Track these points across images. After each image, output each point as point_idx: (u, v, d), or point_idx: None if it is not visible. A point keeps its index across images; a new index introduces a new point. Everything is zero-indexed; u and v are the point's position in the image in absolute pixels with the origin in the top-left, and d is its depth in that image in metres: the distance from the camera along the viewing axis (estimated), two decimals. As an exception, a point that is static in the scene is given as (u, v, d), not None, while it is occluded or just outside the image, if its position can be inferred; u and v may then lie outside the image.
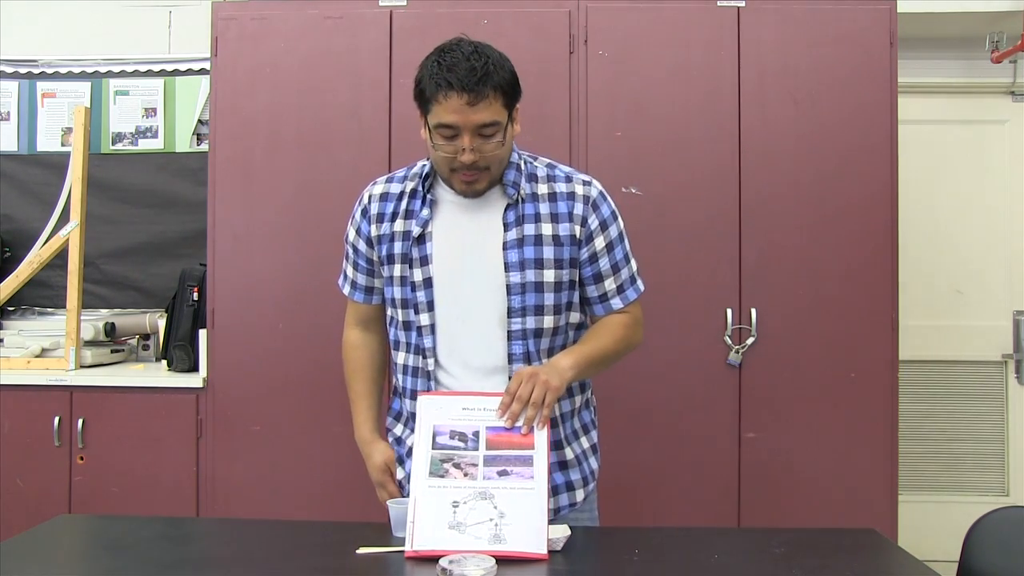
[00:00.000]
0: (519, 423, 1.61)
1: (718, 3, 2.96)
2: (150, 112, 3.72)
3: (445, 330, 1.77)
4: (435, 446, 1.60)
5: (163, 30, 3.77)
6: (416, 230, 1.77)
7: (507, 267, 1.74)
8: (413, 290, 1.77)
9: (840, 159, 2.94)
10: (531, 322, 1.75)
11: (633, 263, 1.87)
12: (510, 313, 1.74)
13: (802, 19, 2.95)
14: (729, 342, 2.93)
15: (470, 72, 1.63)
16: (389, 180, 1.86)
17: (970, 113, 3.88)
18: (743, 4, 2.95)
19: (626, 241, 1.85)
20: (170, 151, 3.71)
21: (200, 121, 3.67)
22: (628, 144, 2.95)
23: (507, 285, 1.74)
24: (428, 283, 1.77)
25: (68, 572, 1.57)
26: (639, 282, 1.87)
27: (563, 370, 1.68)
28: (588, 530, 1.77)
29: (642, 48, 2.97)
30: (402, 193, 1.82)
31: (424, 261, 1.77)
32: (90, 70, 3.75)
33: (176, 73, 3.72)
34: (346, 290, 1.95)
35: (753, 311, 2.92)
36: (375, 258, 1.86)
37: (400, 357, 1.84)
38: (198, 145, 3.67)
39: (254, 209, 3.02)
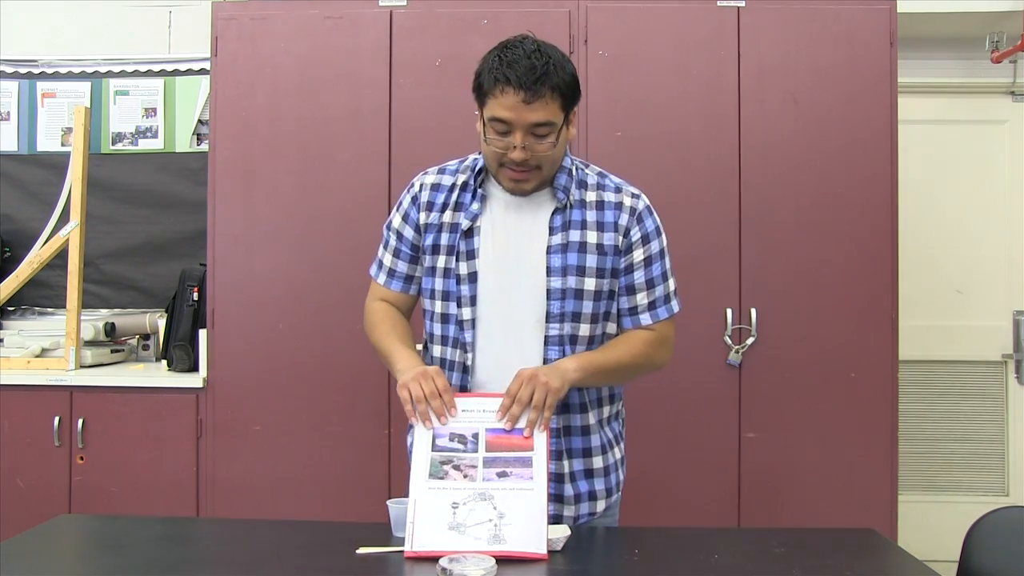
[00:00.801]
0: (520, 424, 1.61)
1: (718, 3, 2.96)
2: (150, 112, 3.72)
3: (484, 326, 1.75)
4: (435, 448, 1.60)
5: (163, 30, 3.77)
6: (465, 223, 1.77)
7: (549, 271, 1.73)
8: (458, 283, 1.76)
9: (840, 159, 2.94)
10: (568, 328, 1.74)
11: (671, 283, 1.84)
12: (548, 318, 1.73)
13: (802, 19, 2.95)
14: (729, 342, 2.93)
15: (529, 70, 1.63)
16: (441, 171, 1.86)
17: (970, 113, 3.88)
18: (743, 4, 2.95)
19: (667, 259, 1.83)
20: (170, 151, 3.71)
21: (200, 121, 3.67)
22: (628, 144, 2.95)
23: (548, 290, 1.73)
24: (473, 277, 1.75)
25: (68, 572, 1.57)
26: (674, 303, 1.85)
27: (566, 372, 1.67)
28: (588, 530, 1.77)
29: (642, 48, 2.97)
30: (453, 185, 1.82)
31: (471, 255, 1.76)
32: (90, 70, 3.75)
33: (176, 73, 3.72)
34: (381, 279, 1.90)
35: (753, 311, 2.92)
36: (421, 245, 1.83)
37: (436, 351, 1.82)
38: (198, 145, 3.67)
39: (254, 209, 3.02)
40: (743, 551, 1.67)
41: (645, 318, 1.81)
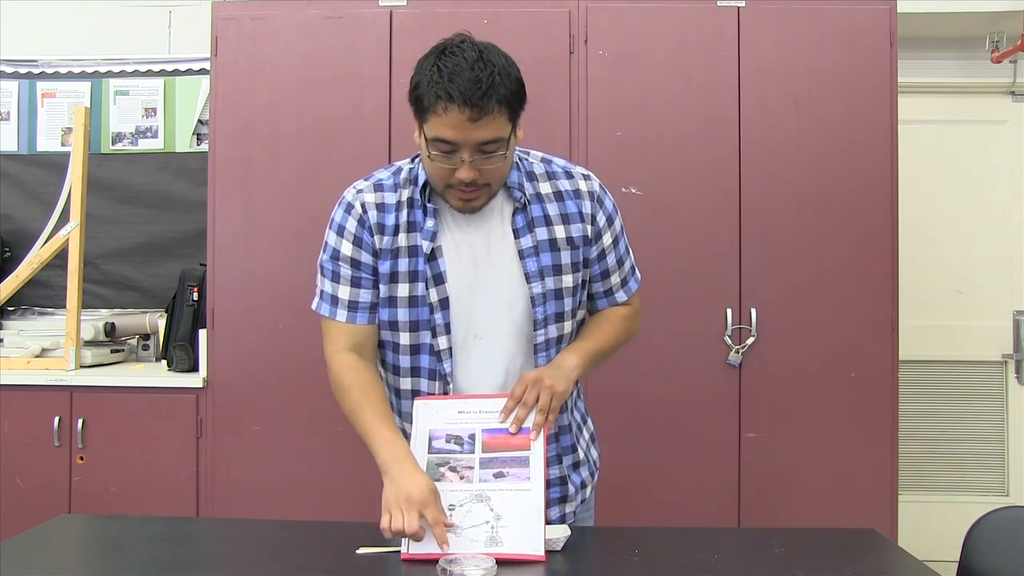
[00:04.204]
0: (526, 425, 1.60)
1: (718, 3, 2.96)
2: (150, 112, 3.72)
3: (462, 350, 1.67)
4: (431, 450, 1.59)
5: (163, 30, 3.77)
6: (425, 245, 1.64)
7: (528, 278, 1.65)
8: (431, 312, 1.64)
9: (840, 159, 2.94)
10: (553, 331, 1.68)
11: (631, 255, 1.83)
12: (535, 325, 1.66)
13: (802, 19, 2.95)
14: (729, 342, 2.93)
15: (474, 84, 1.48)
16: (378, 188, 1.68)
17: (970, 113, 3.88)
18: (743, 4, 2.95)
19: (624, 233, 1.81)
20: (170, 151, 3.71)
21: (200, 121, 3.67)
22: (628, 144, 2.95)
23: (531, 297, 1.65)
24: (445, 303, 1.64)
25: (68, 572, 1.57)
26: (637, 272, 1.85)
27: (569, 371, 1.65)
28: (588, 530, 1.77)
29: (642, 48, 2.97)
30: (399, 203, 1.67)
31: (439, 279, 1.64)
32: (90, 70, 3.75)
33: (176, 73, 3.72)
34: (342, 316, 1.68)
35: (753, 311, 2.92)
36: (378, 270, 1.68)
37: (405, 383, 1.71)
38: (198, 145, 3.67)
39: (254, 209, 3.02)
40: (743, 551, 1.67)
41: (620, 296, 1.80)
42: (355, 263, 1.67)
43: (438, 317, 1.65)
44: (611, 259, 1.76)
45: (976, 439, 3.85)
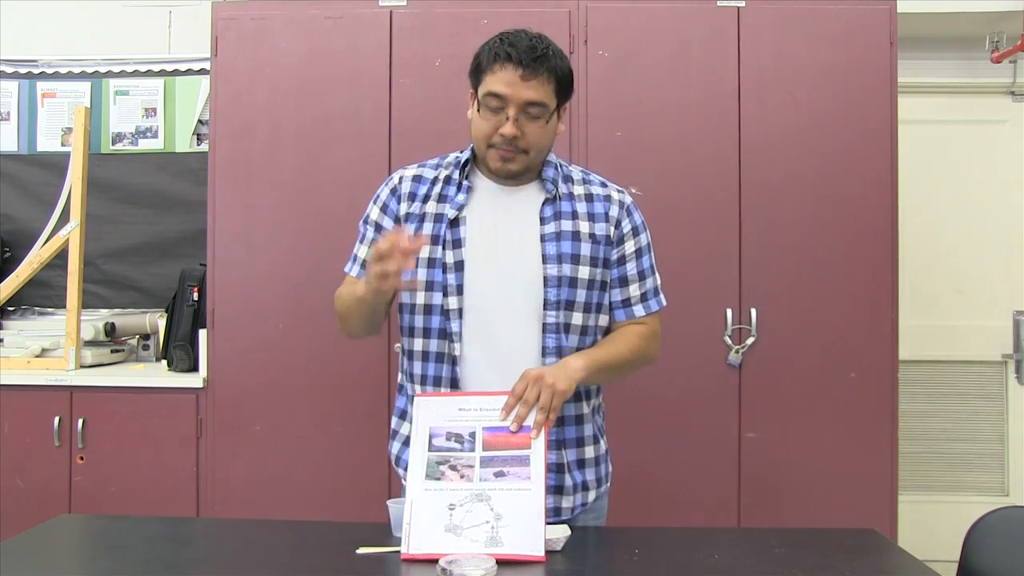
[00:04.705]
0: (527, 423, 1.60)
1: (718, 3, 2.96)
2: (150, 112, 3.72)
3: (472, 315, 1.74)
4: (431, 448, 1.59)
5: (163, 30, 3.77)
6: (451, 212, 1.77)
7: (545, 259, 1.74)
8: (444, 272, 1.75)
9: (840, 159, 2.94)
10: (563, 316, 1.74)
11: (658, 276, 1.88)
12: (546, 305, 1.74)
13: (802, 19, 2.95)
14: (729, 342, 2.93)
15: (530, 49, 1.68)
16: (422, 166, 1.87)
17: (970, 113, 3.88)
18: (743, 4, 2.95)
19: (652, 254, 1.87)
20: (170, 151, 3.71)
21: (200, 121, 3.67)
22: (628, 144, 2.95)
23: (545, 277, 1.74)
24: (460, 266, 1.75)
25: (68, 572, 1.57)
26: (662, 296, 1.89)
27: (573, 371, 1.67)
28: (588, 530, 1.77)
29: (642, 48, 2.97)
30: (436, 179, 1.82)
31: (457, 244, 1.75)
32: (90, 70, 3.75)
33: (176, 73, 3.72)
34: (354, 271, 1.87)
35: (753, 311, 2.92)
36: None
37: (417, 344, 1.79)
38: (198, 145, 3.67)
39: (254, 209, 3.02)
40: (743, 551, 1.67)
41: (639, 309, 1.83)
42: (377, 226, 1.84)
43: (451, 278, 1.74)
44: (631, 267, 1.82)
45: (976, 439, 3.85)
